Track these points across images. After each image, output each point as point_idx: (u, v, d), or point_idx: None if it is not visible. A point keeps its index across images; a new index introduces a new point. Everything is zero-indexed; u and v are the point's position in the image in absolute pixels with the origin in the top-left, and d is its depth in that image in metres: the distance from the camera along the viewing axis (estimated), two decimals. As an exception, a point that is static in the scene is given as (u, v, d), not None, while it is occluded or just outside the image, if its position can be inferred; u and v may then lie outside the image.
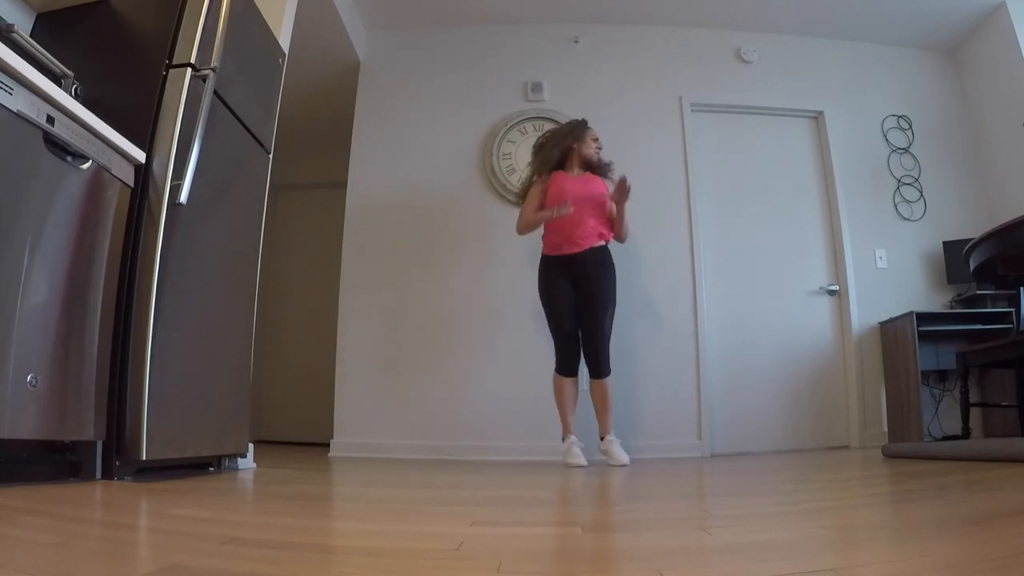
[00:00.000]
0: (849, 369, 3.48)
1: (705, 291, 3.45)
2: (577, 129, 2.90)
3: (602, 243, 2.76)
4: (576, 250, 2.71)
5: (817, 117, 3.81)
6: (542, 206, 2.82)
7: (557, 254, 2.76)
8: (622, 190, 2.68)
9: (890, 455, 2.60)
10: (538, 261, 2.85)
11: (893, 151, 3.78)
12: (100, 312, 1.54)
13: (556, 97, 3.68)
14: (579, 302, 2.72)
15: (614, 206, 2.78)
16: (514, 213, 3.48)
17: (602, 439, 2.69)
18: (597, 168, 2.87)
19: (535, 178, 2.91)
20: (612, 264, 2.76)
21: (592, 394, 2.72)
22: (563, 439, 2.71)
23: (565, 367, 2.73)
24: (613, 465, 2.57)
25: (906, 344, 3.25)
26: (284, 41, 2.58)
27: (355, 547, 0.86)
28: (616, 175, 2.77)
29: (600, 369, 2.66)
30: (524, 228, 2.85)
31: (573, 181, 2.80)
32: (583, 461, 2.60)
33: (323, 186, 4.70)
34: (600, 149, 2.91)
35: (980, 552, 0.74)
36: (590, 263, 2.71)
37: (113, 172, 1.60)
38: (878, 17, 3.72)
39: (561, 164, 2.86)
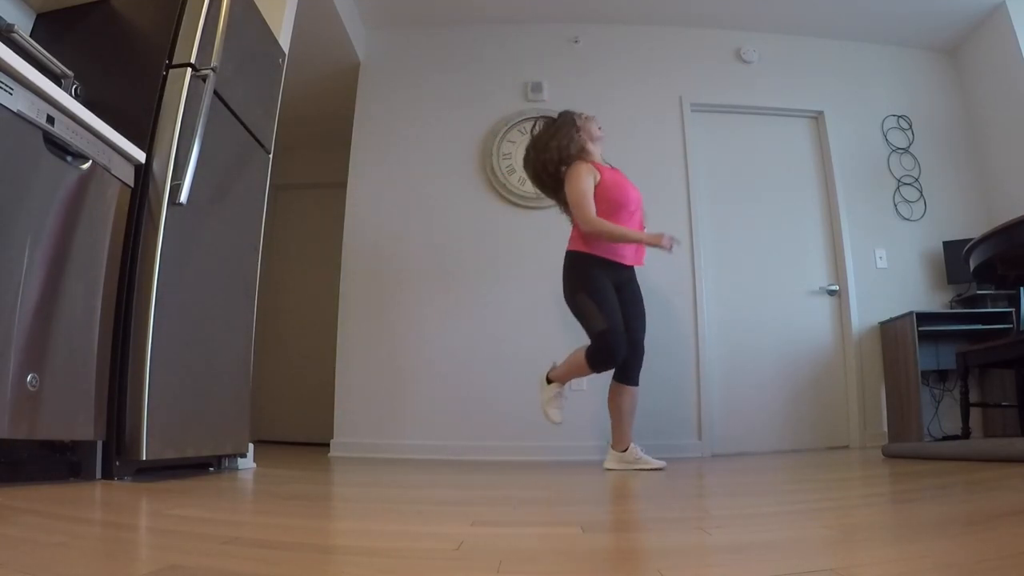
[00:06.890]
0: (849, 369, 3.48)
1: (705, 291, 3.45)
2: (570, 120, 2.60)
3: None
4: (638, 264, 2.56)
5: (817, 117, 3.81)
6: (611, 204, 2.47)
7: (613, 259, 2.49)
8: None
9: (890, 455, 2.60)
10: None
11: (893, 151, 3.77)
12: (100, 312, 1.54)
13: (556, 97, 3.67)
14: (624, 306, 2.51)
15: None
16: (514, 213, 3.52)
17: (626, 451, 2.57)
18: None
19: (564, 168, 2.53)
20: None
21: (623, 399, 2.55)
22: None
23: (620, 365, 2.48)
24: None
25: (906, 344, 3.25)
26: (284, 41, 2.58)
27: (355, 547, 0.86)
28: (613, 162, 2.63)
29: (637, 376, 2.54)
30: (607, 237, 2.43)
31: (628, 180, 2.56)
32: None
33: (323, 186, 4.70)
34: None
35: (980, 552, 0.74)
36: (634, 278, 2.60)
37: (113, 172, 1.60)
38: (878, 17, 3.72)
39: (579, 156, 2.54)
